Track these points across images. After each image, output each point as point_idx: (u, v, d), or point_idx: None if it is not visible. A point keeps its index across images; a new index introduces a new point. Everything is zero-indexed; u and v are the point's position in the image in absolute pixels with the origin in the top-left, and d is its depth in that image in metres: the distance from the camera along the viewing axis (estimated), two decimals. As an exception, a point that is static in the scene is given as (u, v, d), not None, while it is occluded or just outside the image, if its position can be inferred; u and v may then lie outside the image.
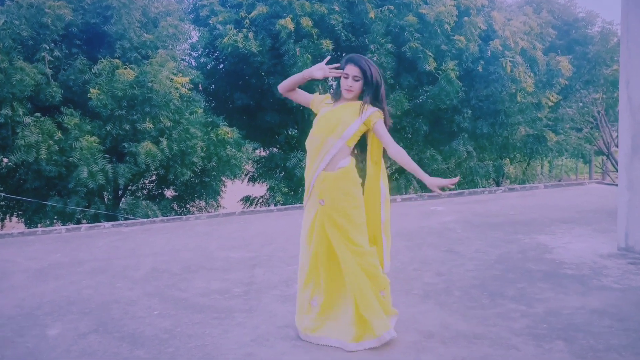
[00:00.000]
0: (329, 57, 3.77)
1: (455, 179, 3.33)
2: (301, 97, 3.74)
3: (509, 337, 3.67)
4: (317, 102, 3.71)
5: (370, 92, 3.47)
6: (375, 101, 3.51)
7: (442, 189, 3.84)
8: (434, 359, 3.37)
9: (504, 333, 3.74)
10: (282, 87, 3.69)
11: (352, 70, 3.43)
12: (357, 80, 3.44)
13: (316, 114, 3.70)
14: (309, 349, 3.58)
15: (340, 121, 3.46)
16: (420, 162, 16.52)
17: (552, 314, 4.10)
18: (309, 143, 3.63)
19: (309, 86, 14.09)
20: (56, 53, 11.73)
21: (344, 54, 15.23)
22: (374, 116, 3.46)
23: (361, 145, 3.65)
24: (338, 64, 3.58)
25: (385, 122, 3.50)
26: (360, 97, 3.53)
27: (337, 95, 3.65)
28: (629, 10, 5.76)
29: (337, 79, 3.64)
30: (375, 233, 3.69)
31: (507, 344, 3.55)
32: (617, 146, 25.31)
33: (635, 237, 5.83)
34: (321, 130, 3.53)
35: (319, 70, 3.55)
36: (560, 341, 3.58)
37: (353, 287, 3.49)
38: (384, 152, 3.61)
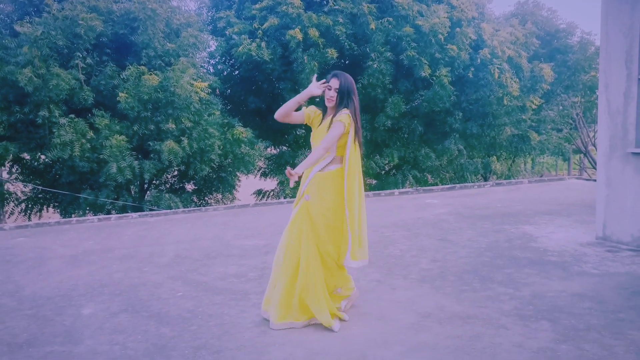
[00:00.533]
0: (315, 75, 3.81)
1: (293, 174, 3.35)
2: (295, 118, 3.72)
3: (498, 318, 3.65)
4: (312, 116, 3.75)
5: (342, 102, 3.58)
6: (345, 107, 3.57)
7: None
8: (431, 338, 3.36)
9: (494, 314, 3.73)
10: (281, 113, 3.64)
11: (334, 82, 3.59)
12: (336, 92, 3.58)
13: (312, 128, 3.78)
14: (317, 328, 3.57)
15: (321, 138, 3.57)
16: (415, 159, 16.46)
17: (537, 296, 4.08)
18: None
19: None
20: (88, 60, 11.72)
21: (347, 62, 15.21)
22: (337, 117, 3.52)
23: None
24: (324, 80, 3.65)
25: (356, 131, 3.56)
26: (338, 107, 3.61)
27: (325, 110, 3.73)
28: (608, 19, 5.71)
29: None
30: (343, 227, 3.64)
31: (497, 324, 3.54)
32: (593, 145, 25.19)
33: (612, 228, 5.80)
34: (315, 146, 3.64)
35: (316, 88, 3.60)
36: (545, 321, 3.56)
37: (304, 273, 3.56)
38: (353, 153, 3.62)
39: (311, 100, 14.21)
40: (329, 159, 3.59)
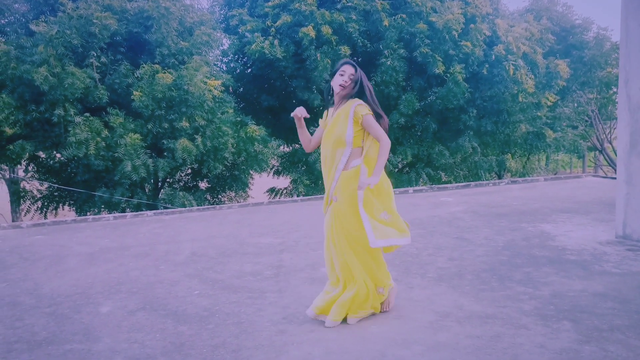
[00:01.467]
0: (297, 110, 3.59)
1: (373, 182, 3.38)
2: (320, 136, 3.68)
3: (519, 318, 3.60)
4: (324, 119, 3.71)
5: (355, 90, 3.48)
6: (362, 97, 3.50)
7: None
8: (451, 337, 3.32)
9: (514, 313, 3.68)
10: (305, 146, 3.75)
11: (347, 69, 3.47)
12: (351, 79, 3.46)
13: None
14: (336, 327, 3.55)
15: (338, 131, 3.48)
16: (429, 157, 16.37)
17: (557, 296, 4.02)
18: (322, 156, 3.64)
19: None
20: (103, 59, 11.80)
21: (360, 59, 15.14)
22: (359, 110, 3.43)
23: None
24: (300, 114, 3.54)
25: (379, 122, 3.48)
26: (350, 96, 3.52)
27: (331, 104, 3.65)
28: (628, 14, 5.61)
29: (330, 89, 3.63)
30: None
31: (518, 324, 3.49)
32: (610, 142, 24.89)
33: (632, 226, 5.70)
34: (328, 144, 3.56)
35: (298, 111, 3.51)
36: (567, 322, 3.50)
37: (355, 275, 3.56)
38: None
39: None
40: (347, 154, 3.50)
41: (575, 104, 21.27)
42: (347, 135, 3.45)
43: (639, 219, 5.63)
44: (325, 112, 3.71)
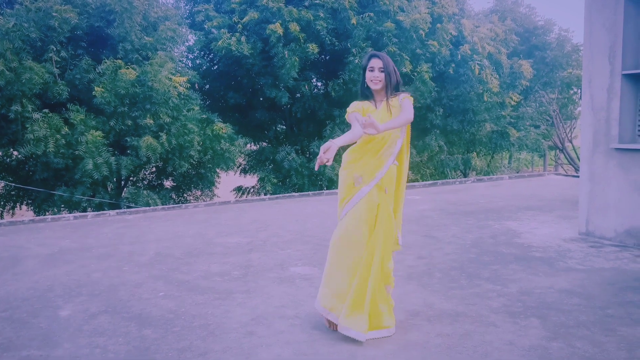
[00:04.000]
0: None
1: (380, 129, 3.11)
2: (360, 131, 3.32)
3: (487, 315, 3.62)
4: (365, 110, 3.46)
5: (390, 82, 3.41)
6: (398, 89, 3.47)
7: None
8: (421, 336, 3.31)
9: (483, 311, 3.70)
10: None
11: (376, 63, 3.40)
12: (381, 71, 3.39)
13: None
14: (305, 328, 3.50)
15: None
16: (396, 156, 16.45)
17: (525, 293, 4.07)
18: (364, 144, 3.41)
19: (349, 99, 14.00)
20: (63, 54, 11.41)
21: (328, 57, 15.12)
22: (404, 97, 3.38)
23: None
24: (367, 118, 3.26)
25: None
26: (386, 88, 3.43)
27: (370, 96, 3.51)
28: (591, 15, 5.73)
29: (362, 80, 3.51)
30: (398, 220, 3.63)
31: (487, 321, 3.51)
32: (570, 142, 25.57)
33: (595, 223, 5.84)
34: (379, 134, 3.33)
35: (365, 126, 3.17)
36: (535, 318, 3.55)
37: (375, 277, 3.32)
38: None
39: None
40: (399, 145, 3.44)
41: (538, 104, 21.75)
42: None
43: (602, 216, 5.77)
44: (358, 103, 3.49)
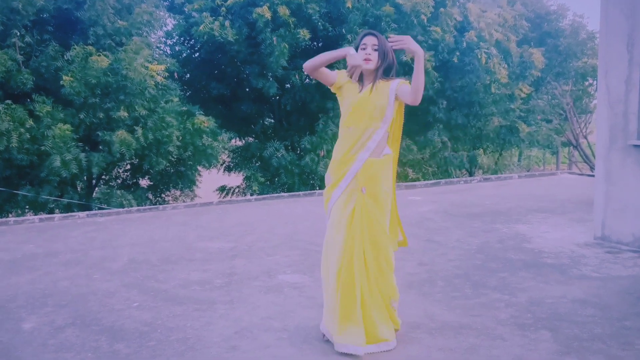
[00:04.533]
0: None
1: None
2: (324, 75, 3.44)
3: (494, 327, 3.63)
4: (342, 81, 3.46)
5: (385, 63, 3.34)
6: (389, 74, 3.39)
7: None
8: (422, 350, 3.31)
9: (490, 323, 3.71)
10: (310, 65, 3.37)
11: (370, 40, 3.34)
12: (375, 50, 3.33)
13: (336, 95, 3.52)
14: (294, 341, 3.49)
15: (376, 105, 3.32)
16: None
17: (535, 303, 4.09)
18: (344, 130, 3.40)
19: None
20: (27, 39, 11.35)
21: (320, 44, 15.11)
22: (401, 83, 3.33)
23: None
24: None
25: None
26: (377, 70, 3.35)
27: (358, 77, 3.42)
28: (608, 2, 5.76)
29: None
30: (393, 216, 3.55)
31: (494, 334, 3.52)
32: (585, 137, 25.72)
33: (611, 227, 5.88)
34: (359, 117, 3.34)
35: (358, 58, 3.30)
36: (546, 331, 3.56)
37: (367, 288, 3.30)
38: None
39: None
40: (381, 134, 3.35)
41: (550, 96, 21.88)
42: (389, 109, 3.34)
43: (619, 219, 5.80)
44: (343, 75, 3.46)
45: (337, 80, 3.46)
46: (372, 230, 3.31)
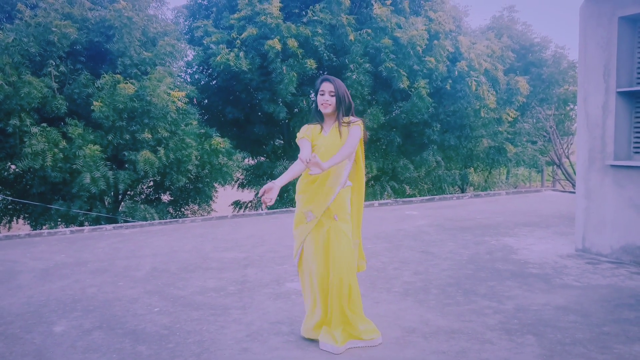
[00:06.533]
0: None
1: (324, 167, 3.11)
2: (305, 152, 3.42)
3: (484, 332, 3.61)
4: (314, 135, 3.49)
5: (341, 106, 3.41)
6: (349, 113, 3.46)
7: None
8: (417, 353, 3.29)
9: (479, 328, 3.69)
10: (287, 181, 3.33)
11: (327, 86, 3.39)
12: (332, 96, 3.39)
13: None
14: (300, 344, 3.48)
15: (340, 146, 3.37)
16: (394, 171, 16.53)
17: (521, 310, 4.06)
18: (309, 176, 3.41)
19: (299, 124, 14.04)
20: (62, 68, 11.47)
21: (326, 72, 15.20)
22: (356, 123, 3.41)
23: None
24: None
25: (364, 134, 3.49)
26: (337, 111, 3.42)
27: (320, 119, 3.52)
28: (586, 34, 5.79)
29: (314, 101, 3.55)
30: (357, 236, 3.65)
31: (483, 339, 3.50)
32: (567, 157, 25.65)
33: (591, 240, 5.84)
34: (329, 156, 3.33)
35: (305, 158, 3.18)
36: (531, 335, 3.53)
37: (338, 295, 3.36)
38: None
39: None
40: (348, 169, 3.44)
41: (535, 120, 21.89)
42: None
43: (598, 233, 5.77)
44: (307, 127, 3.52)
45: (311, 140, 3.49)
46: (344, 248, 3.38)
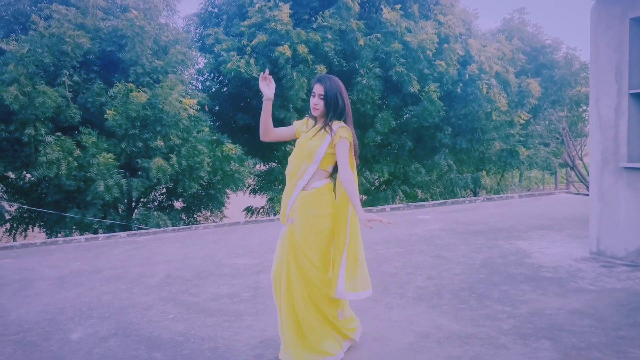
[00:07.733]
0: (267, 70, 3.39)
1: (389, 222, 2.95)
2: (284, 133, 3.38)
3: (498, 337, 3.59)
4: (299, 130, 3.37)
5: (330, 110, 3.17)
6: (339, 119, 3.20)
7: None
8: (431, 358, 3.29)
9: (493, 333, 3.67)
10: (261, 133, 3.32)
11: (318, 88, 3.18)
12: (321, 99, 3.17)
13: None
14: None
15: (310, 146, 3.16)
16: (405, 175, 16.49)
17: (535, 314, 4.04)
18: (287, 169, 3.33)
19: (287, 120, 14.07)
20: (75, 78, 11.63)
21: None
22: (337, 135, 3.10)
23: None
24: (266, 70, 3.34)
25: (352, 143, 3.18)
26: (326, 115, 3.21)
27: (312, 117, 3.37)
28: (597, 35, 5.76)
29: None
30: (336, 254, 3.27)
31: (497, 344, 3.48)
32: (580, 159, 25.44)
33: (606, 243, 5.79)
34: (296, 157, 3.25)
35: (262, 84, 3.27)
36: (546, 340, 3.51)
37: (301, 313, 3.18)
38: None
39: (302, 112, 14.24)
40: (312, 171, 3.17)
41: (547, 122, 21.76)
42: (319, 152, 3.14)
43: (612, 235, 5.72)
44: (306, 119, 3.40)
45: (295, 131, 3.39)
46: (300, 259, 3.19)
